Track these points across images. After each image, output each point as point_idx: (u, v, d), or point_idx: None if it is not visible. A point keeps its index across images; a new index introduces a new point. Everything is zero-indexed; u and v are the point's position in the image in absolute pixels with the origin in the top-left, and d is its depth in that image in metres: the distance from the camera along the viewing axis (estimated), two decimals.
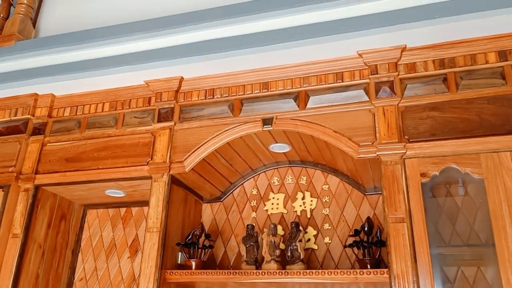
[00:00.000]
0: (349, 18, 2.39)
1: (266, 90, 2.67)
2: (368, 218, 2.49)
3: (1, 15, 3.28)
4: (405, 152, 2.24)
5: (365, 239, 2.42)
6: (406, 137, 2.29)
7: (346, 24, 2.37)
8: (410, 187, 2.19)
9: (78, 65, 2.86)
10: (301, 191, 2.93)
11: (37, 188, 2.86)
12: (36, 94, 3.00)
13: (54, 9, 3.33)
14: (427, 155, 2.21)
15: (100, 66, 2.81)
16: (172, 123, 2.74)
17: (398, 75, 2.41)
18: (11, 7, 3.41)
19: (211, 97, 2.77)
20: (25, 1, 3.20)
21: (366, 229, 2.43)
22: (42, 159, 2.92)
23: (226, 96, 2.74)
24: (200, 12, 2.67)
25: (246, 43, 2.55)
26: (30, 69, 2.94)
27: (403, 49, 2.41)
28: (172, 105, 2.79)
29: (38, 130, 2.96)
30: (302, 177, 2.98)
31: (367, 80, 2.47)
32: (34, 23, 3.27)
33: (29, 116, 2.96)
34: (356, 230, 2.48)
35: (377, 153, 2.28)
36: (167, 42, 2.73)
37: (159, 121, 2.78)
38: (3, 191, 2.79)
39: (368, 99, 2.43)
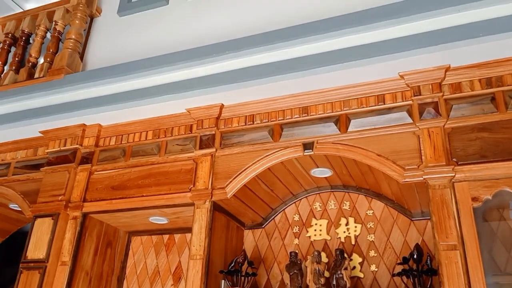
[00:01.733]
0: (389, 39, 2.36)
1: (306, 115, 2.66)
2: (417, 245, 2.39)
3: (51, 50, 3.46)
4: (454, 176, 2.15)
5: (415, 267, 2.32)
6: (454, 159, 2.20)
7: (386, 46, 2.34)
8: (461, 212, 2.09)
9: (123, 96, 2.96)
10: (345, 217, 2.87)
11: (85, 216, 2.95)
12: (84, 124, 3.13)
13: (100, 43, 3.48)
14: (478, 178, 2.12)
15: (144, 96, 2.90)
16: (214, 149, 2.77)
17: (443, 95, 2.34)
18: (60, 42, 3.59)
19: (251, 123, 2.79)
20: (73, 36, 3.36)
21: (415, 256, 2.33)
22: (89, 188, 3.01)
23: (266, 122, 2.75)
24: (238, 40, 2.72)
25: (285, 68, 2.56)
26: (79, 101, 3.07)
27: (447, 69, 2.34)
28: (213, 132, 2.83)
29: (86, 159, 3.07)
30: (345, 202, 2.91)
31: (410, 102, 2.41)
32: (81, 57, 3.43)
33: (77, 146, 3.08)
34: (404, 258, 2.38)
35: (424, 176, 2.21)
36: (207, 71, 2.78)
37: (200, 148, 2.82)
38: (52, 219, 2.89)
39: (412, 121, 2.37)
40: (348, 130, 2.52)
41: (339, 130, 2.54)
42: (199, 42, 2.95)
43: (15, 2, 6.21)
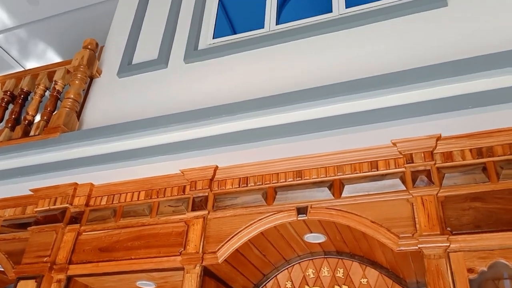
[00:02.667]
0: (381, 108, 2.43)
1: (300, 179, 2.67)
2: None
3: (49, 109, 3.50)
4: (449, 245, 2.13)
5: None
6: (448, 229, 2.19)
7: (379, 114, 2.41)
8: (457, 284, 2.05)
9: (117, 155, 2.96)
10: (338, 285, 2.79)
11: (69, 279, 2.84)
12: (76, 183, 3.10)
13: (98, 103, 3.53)
14: (473, 249, 2.10)
15: (138, 156, 2.91)
16: (206, 211, 2.74)
17: (435, 164, 2.38)
18: (58, 101, 3.64)
19: (245, 185, 2.78)
20: (72, 96, 3.41)
21: None
22: (76, 249, 2.93)
23: (259, 184, 2.75)
24: (233, 104, 2.78)
25: (279, 133, 2.60)
26: (72, 160, 3.06)
27: (438, 138, 2.40)
28: (206, 194, 2.81)
29: (75, 219, 3.01)
30: (338, 269, 2.85)
31: (403, 169, 2.44)
32: (78, 116, 3.47)
33: (67, 205, 3.03)
34: None
35: (419, 245, 2.18)
36: (202, 133, 2.82)
37: (193, 209, 2.79)
38: (36, 281, 2.77)
39: (405, 188, 2.38)
40: (342, 195, 2.52)
41: (333, 195, 2.54)
42: (195, 105, 3.01)
43: (16, 61, 6.37)
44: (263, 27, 3.47)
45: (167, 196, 2.93)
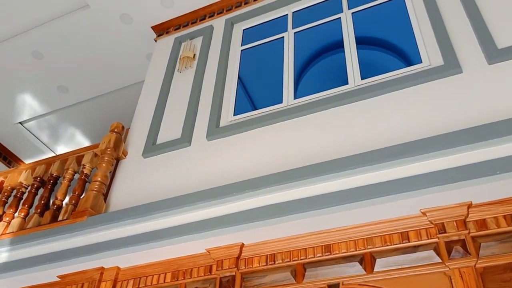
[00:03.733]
0: (409, 177, 2.40)
1: (328, 253, 2.59)
2: None
3: (76, 192, 3.58)
4: None
5: None
6: None
7: (406, 183, 2.38)
8: None
9: (143, 237, 2.96)
10: None
11: None
12: (102, 267, 3.08)
13: (124, 184, 3.60)
14: None
15: (163, 237, 2.89)
16: None
17: (469, 233, 2.29)
18: (86, 183, 3.73)
19: (273, 262, 2.72)
20: (99, 179, 3.49)
21: None
22: None
23: (287, 261, 2.68)
24: (257, 179, 2.80)
25: (305, 206, 2.58)
26: (99, 243, 3.06)
27: (469, 205, 2.33)
28: (234, 273, 2.75)
29: None
30: None
31: (436, 240, 2.35)
32: (105, 198, 3.52)
33: None
34: None
35: None
36: (227, 210, 2.81)
37: None
38: None
39: (441, 261, 2.28)
40: (374, 270, 2.43)
41: (365, 270, 2.45)
42: (219, 182, 3.04)
43: (46, 146, 6.66)
44: (281, 102, 3.57)
45: (194, 277, 2.87)
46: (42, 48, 5.30)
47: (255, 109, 3.68)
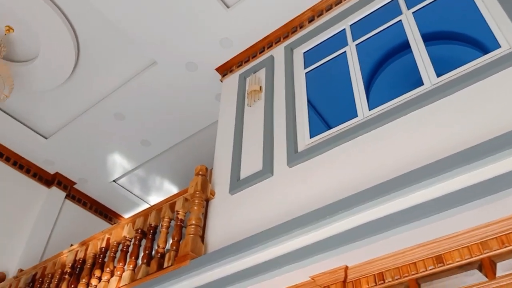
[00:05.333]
0: None
1: (441, 264, 2.44)
2: None
3: (176, 238, 3.73)
4: None
5: None
6: None
7: None
8: None
9: (245, 273, 2.97)
10: None
11: None
12: None
13: (217, 223, 3.70)
14: None
15: (265, 271, 2.89)
16: None
17: None
18: (183, 228, 3.89)
19: (382, 281, 2.61)
20: (194, 222, 3.62)
21: None
22: None
23: (398, 278, 2.56)
24: (348, 198, 2.73)
25: (407, 217, 2.46)
26: (204, 285, 3.14)
27: None
28: None
29: None
30: None
31: None
32: (202, 239, 3.64)
33: None
34: None
35: None
36: (324, 234, 2.77)
37: None
38: None
39: None
40: (497, 275, 2.23)
41: (486, 277, 2.26)
42: (309, 207, 3.02)
43: (140, 198, 7.09)
44: (356, 116, 3.51)
45: None
46: (122, 109, 5.74)
47: (330, 128, 3.65)
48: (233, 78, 4.98)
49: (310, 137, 3.71)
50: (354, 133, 3.28)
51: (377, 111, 3.35)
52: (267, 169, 3.66)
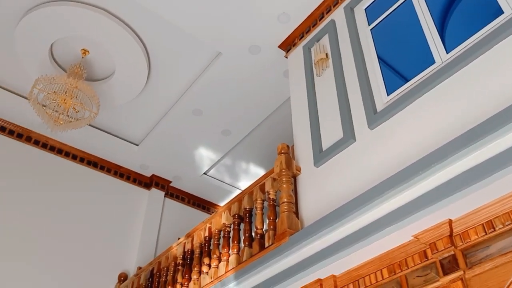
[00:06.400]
0: None
1: None
2: None
3: (271, 218, 3.83)
4: None
5: None
6: None
7: None
8: None
9: (345, 241, 2.97)
10: None
11: None
12: (319, 279, 3.20)
13: (308, 197, 3.73)
14: None
15: (364, 236, 2.86)
16: (461, 272, 2.47)
17: None
18: (276, 208, 3.98)
19: (492, 229, 2.46)
20: (285, 200, 3.68)
21: None
22: None
23: (509, 224, 2.39)
24: (441, 149, 2.58)
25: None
26: (307, 258, 3.19)
27: None
28: (452, 252, 2.56)
29: None
30: None
31: None
32: (297, 215, 3.70)
33: None
34: None
35: None
36: (421, 190, 2.66)
37: (445, 273, 2.55)
38: None
39: None
40: None
41: None
42: (400, 165, 2.93)
43: (231, 185, 7.38)
44: (434, 62, 3.30)
45: (411, 267, 2.77)
46: (198, 105, 5.96)
47: (407, 81, 3.47)
48: (298, 52, 4.92)
49: (388, 95, 3.57)
50: (434, 80, 3.09)
51: (456, 51, 3.13)
52: (349, 135, 3.60)
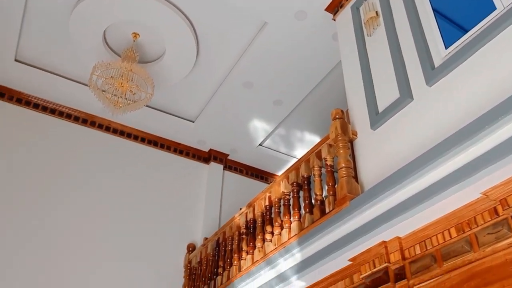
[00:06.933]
0: None
1: None
2: None
3: (330, 184, 3.82)
4: None
5: None
6: None
7: None
8: None
9: (408, 202, 2.93)
10: None
11: None
12: (383, 241, 3.19)
13: (367, 161, 3.68)
14: None
15: (429, 196, 2.80)
16: None
17: None
18: (334, 174, 3.96)
19: None
20: (343, 165, 3.65)
21: None
22: None
23: None
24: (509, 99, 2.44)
25: None
26: (371, 221, 3.18)
27: None
28: None
29: (400, 275, 3.04)
30: None
31: None
32: (356, 180, 3.67)
33: (386, 264, 3.11)
34: None
35: None
36: (486, 146, 2.54)
37: None
38: None
39: None
40: None
41: None
42: (464, 120, 2.79)
43: (287, 155, 7.42)
44: (495, 8, 3.07)
45: (481, 225, 2.68)
46: (248, 77, 5.99)
47: (466, 31, 3.26)
48: (346, 13, 4.76)
49: (446, 48, 3.38)
50: (496, 28, 2.89)
51: None
52: (406, 95, 3.48)
